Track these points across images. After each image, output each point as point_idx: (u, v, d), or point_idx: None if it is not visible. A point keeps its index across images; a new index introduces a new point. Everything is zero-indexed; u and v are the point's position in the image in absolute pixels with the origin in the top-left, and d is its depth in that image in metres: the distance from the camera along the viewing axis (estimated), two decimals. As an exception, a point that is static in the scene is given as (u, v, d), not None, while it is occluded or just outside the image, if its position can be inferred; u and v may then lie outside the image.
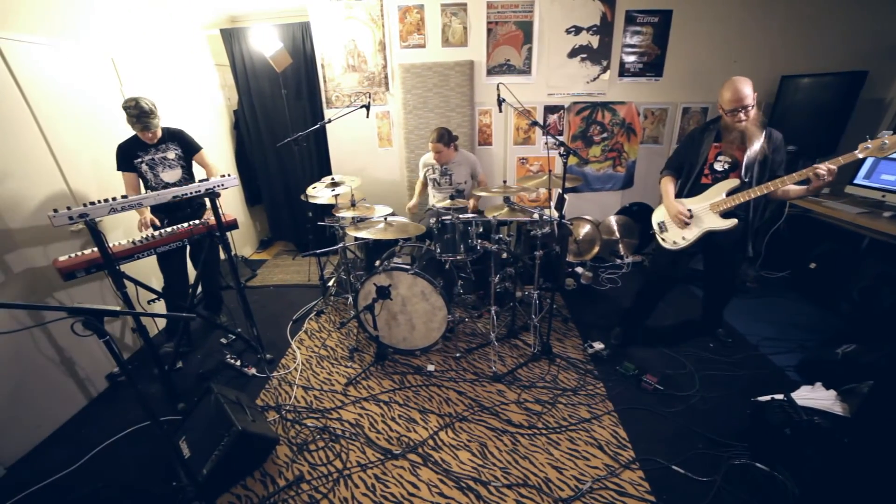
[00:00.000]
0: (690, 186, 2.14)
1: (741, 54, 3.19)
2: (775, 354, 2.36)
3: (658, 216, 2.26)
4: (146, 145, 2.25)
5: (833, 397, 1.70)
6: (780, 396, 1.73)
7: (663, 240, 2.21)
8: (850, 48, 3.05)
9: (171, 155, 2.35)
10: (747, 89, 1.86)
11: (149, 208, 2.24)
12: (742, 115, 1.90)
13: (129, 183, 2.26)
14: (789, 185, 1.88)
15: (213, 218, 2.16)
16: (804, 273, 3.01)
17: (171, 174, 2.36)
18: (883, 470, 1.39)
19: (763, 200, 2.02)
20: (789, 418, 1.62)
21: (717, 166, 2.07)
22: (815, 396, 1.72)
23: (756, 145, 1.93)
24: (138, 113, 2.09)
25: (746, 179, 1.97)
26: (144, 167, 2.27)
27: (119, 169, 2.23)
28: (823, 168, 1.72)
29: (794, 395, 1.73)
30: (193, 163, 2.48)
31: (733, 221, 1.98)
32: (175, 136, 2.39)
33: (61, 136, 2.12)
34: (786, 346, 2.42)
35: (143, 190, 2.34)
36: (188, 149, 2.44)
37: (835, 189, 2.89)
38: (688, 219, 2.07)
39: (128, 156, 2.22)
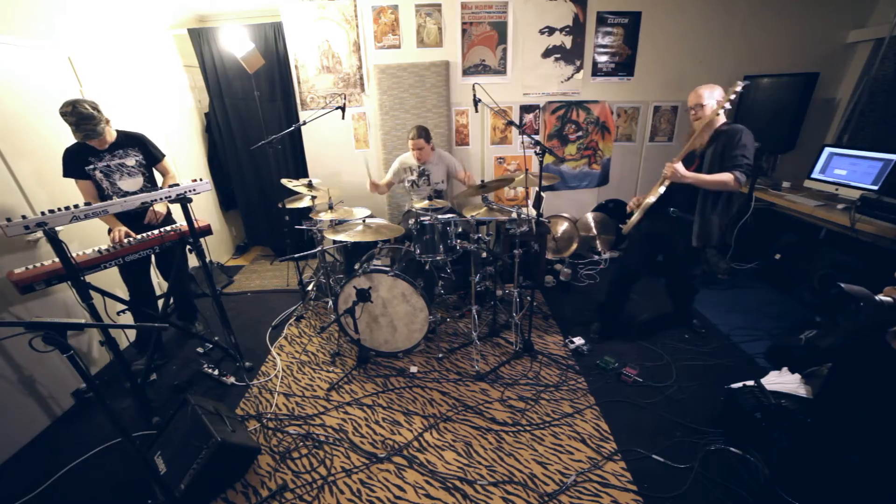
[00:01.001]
0: None
1: (707, 54, 3.32)
2: (746, 342, 2.47)
3: None
4: (98, 151, 2.06)
5: (798, 381, 1.79)
6: (750, 383, 1.81)
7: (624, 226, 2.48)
8: (804, 50, 3.23)
9: (130, 161, 2.17)
10: (702, 91, 2.06)
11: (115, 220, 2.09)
12: (693, 113, 2.11)
13: (87, 191, 2.07)
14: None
15: (184, 223, 2.08)
16: (770, 264, 3.17)
17: (131, 182, 2.18)
18: (840, 445, 1.48)
19: (710, 196, 2.09)
20: (759, 403, 1.70)
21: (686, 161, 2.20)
22: (781, 381, 1.80)
23: (701, 142, 2.10)
24: (76, 120, 1.87)
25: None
26: (99, 175, 2.07)
27: (67, 175, 2.04)
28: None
29: (763, 380, 1.81)
30: (155, 171, 2.35)
31: (661, 192, 2.18)
32: (135, 141, 2.21)
33: (13, 139, 1.99)
34: (755, 335, 2.53)
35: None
36: (150, 156, 2.26)
37: (795, 183, 3.06)
38: (634, 206, 2.38)
39: (77, 161, 2.02)
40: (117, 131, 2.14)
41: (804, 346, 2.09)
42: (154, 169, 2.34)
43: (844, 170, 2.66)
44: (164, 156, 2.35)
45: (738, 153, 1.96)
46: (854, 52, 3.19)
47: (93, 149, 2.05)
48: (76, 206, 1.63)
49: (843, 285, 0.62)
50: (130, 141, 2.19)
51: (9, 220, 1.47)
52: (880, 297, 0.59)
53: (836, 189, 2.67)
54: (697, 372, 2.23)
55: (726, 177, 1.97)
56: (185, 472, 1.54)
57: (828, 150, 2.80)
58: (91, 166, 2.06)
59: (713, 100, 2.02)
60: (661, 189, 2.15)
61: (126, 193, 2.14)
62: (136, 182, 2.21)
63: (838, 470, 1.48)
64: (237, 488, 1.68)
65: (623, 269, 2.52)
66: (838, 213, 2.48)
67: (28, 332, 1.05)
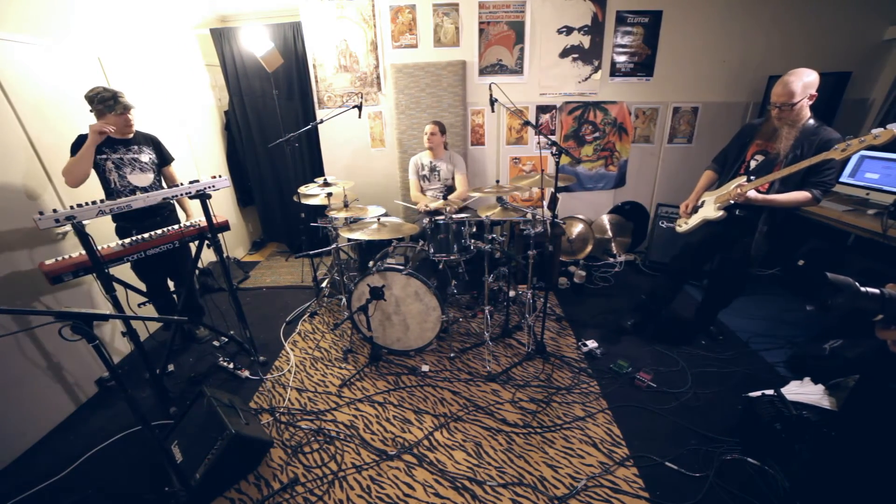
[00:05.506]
0: (729, 179, 2.12)
1: (730, 54, 3.23)
2: (765, 350, 2.40)
3: None
4: (113, 142, 2.07)
5: (821, 392, 1.72)
6: (770, 392, 1.76)
7: (678, 225, 2.36)
8: (835, 49, 3.11)
9: (144, 158, 2.19)
10: (794, 85, 1.75)
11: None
12: (776, 112, 1.84)
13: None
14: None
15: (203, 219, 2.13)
16: (793, 270, 3.06)
17: (142, 178, 2.18)
18: (867, 461, 1.42)
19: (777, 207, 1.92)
20: (779, 413, 1.65)
21: (753, 163, 2.03)
22: (803, 391, 1.75)
23: (781, 146, 1.85)
24: (113, 94, 1.95)
25: (752, 178, 1.93)
26: (109, 165, 2.06)
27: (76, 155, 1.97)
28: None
29: (783, 390, 1.76)
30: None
31: (721, 213, 2.05)
32: (151, 141, 2.25)
33: (46, 136, 2.07)
34: (776, 343, 2.46)
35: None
36: (162, 157, 2.30)
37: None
38: (686, 213, 2.28)
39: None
40: (135, 131, 2.17)
41: (828, 355, 2.02)
42: (161, 171, 2.33)
43: (877, 173, 2.54)
44: (173, 159, 2.37)
45: (828, 167, 1.76)
46: (891, 50, 3.05)
47: (108, 140, 2.05)
48: (102, 201, 1.69)
49: (828, 275, 0.64)
50: (146, 139, 2.24)
51: (41, 213, 1.54)
52: (866, 288, 0.62)
53: (867, 193, 2.57)
54: (714, 379, 2.17)
55: (802, 196, 1.78)
56: (201, 462, 1.57)
57: (859, 152, 2.69)
58: (103, 156, 2.05)
59: (806, 95, 1.73)
60: (720, 212, 2.04)
61: (135, 188, 2.16)
62: (146, 178, 2.20)
63: (863, 486, 1.42)
64: (250, 479, 1.71)
65: (675, 265, 2.45)
66: (869, 219, 2.38)
67: (58, 321, 1.09)
